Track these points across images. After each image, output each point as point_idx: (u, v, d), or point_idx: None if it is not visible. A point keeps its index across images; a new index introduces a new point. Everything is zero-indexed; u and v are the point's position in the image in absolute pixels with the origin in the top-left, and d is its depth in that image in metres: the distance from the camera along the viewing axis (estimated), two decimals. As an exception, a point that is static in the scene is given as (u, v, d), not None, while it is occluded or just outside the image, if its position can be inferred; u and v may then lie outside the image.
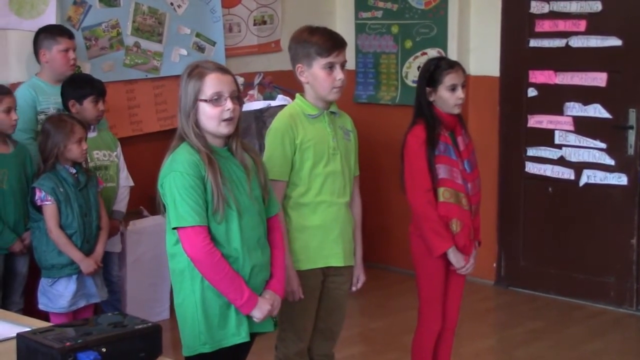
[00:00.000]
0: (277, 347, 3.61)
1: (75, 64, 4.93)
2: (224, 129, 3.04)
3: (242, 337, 3.08)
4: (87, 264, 4.43)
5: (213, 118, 3.01)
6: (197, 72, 3.03)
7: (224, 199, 2.99)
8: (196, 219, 2.96)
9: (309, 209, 3.48)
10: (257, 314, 3.06)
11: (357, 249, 3.68)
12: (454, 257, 3.84)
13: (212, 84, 3.01)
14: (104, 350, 2.41)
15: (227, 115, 3.02)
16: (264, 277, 3.13)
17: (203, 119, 3.02)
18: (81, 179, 4.44)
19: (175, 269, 3.09)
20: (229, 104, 3.02)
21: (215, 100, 3.01)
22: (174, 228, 3.01)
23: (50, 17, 5.10)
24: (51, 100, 4.82)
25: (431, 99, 3.85)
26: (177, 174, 2.98)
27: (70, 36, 4.91)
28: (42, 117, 4.76)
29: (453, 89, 3.83)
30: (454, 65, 3.90)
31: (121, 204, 4.99)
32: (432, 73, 3.85)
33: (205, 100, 3.01)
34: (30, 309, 4.47)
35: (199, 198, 2.97)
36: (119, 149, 5.04)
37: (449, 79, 3.82)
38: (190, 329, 3.07)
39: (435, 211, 3.79)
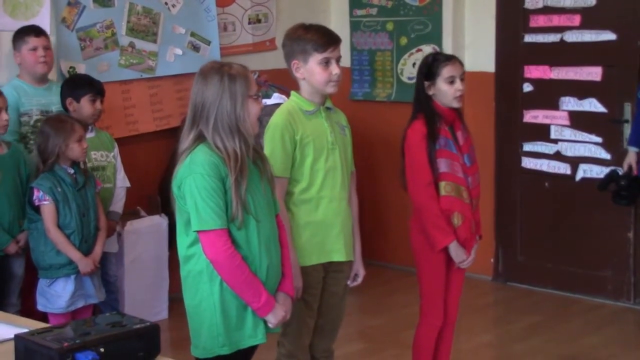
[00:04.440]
0: (279, 343, 3.61)
1: (48, 62, 4.80)
2: (257, 126, 3.09)
3: (259, 338, 3.06)
4: (85, 264, 4.43)
5: (256, 114, 3.06)
6: (239, 71, 3.02)
7: (244, 206, 2.97)
8: (218, 222, 2.93)
9: (311, 204, 3.49)
10: (272, 319, 3.05)
11: (356, 244, 3.69)
12: (455, 251, 3.84)
13: (254, 81, 3.07)
14: (102, 350, 2.41)
15: (259, 112, 3.09)
16: (277, 277, 3.13)
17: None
18: (79, 180, 4.44)
19: (192, 270, 3.04)
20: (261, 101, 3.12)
21: (257, 96, 3.08)
22: (195, 231, 2.98)
23: (44, 18, 5.09)
24: (33, 102, 4.76)
25: (430, 92, 3.85)
26: (197, 175, 2.94)
27: (38, 34, 4.80)
28: (25, 119, 4.72)
29: (451, 81, 3.82)
30: (451, 58, 3.91)
31: (118, 204, 4.99)
32: (430, 66, 3.85)
33: (251, 97, 3.03)
34: (28, 310, 4.47)
35: (220, 200, 2.94)
36: (116, 149, 5.03)
37: (447, 71, 3.82)
38: (208, 331, 3.03)
39: (436, 205, 3.79)
